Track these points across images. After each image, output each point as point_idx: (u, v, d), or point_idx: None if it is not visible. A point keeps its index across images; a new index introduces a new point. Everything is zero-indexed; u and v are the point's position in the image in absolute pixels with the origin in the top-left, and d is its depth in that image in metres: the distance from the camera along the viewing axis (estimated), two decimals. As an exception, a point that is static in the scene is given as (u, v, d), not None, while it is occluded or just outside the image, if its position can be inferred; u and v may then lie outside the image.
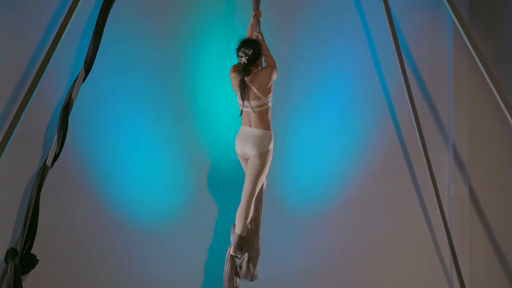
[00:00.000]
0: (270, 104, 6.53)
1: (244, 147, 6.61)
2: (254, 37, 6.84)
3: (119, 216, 7.61)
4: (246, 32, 7.20)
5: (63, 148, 6.94)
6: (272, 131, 6.61)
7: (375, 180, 8.16)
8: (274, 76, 6.56)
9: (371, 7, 8.18)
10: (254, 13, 6.88)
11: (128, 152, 7.69)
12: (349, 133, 8.10)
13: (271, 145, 6.57)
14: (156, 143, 7.73)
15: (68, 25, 7.05)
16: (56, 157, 6.91)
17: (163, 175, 7.74)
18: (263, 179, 6.68)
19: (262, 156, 6.51)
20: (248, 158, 6.64)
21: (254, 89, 6.50)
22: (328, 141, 8.02)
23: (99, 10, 6.90)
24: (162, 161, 7.74)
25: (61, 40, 7.07)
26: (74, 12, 6.85)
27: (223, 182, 7.75)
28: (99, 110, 7.65)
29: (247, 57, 6.59)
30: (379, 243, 8.13)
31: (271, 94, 6.54)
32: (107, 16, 6.88)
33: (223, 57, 7.62)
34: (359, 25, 8.19)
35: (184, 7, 7.81)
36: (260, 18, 6.83)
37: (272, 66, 6.54)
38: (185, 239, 7.70)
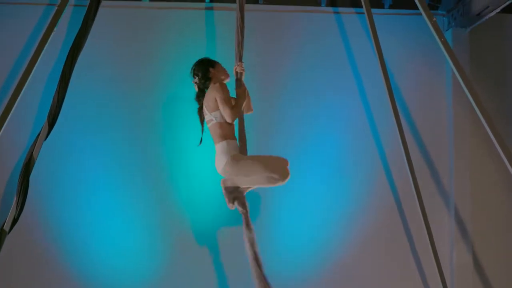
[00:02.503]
0: (219, 119, 6.49)
1: None
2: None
3: (86, 286, 7.59)
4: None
5: (23, 211, 6.81)
6: (229, 140, 6.49)
7: (370, 246, 8.14)
8: (218, 96, 6.50)
9: (365, 59, 8.31)
10: (236, 67, 6.79)
11: (98, 215, 7.70)
12: (340, 196, 8.13)
13: (228, 160, 6.43)
14: (128, 205, 7.77)
15: (31, 74, 7.01)
16: (15, 221, 6.76)
17: (135, 238, 7.78)
18: (271, 165, 6.45)
19: (227, 168, 6.46)
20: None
21: (204, 107, 6.55)
22: (317, 205, 8.05)
23: (65, 58, 6.85)
24: (135, 223, 7.79)
25: (23, 90, 7.03)
26: (38, 60, 6.80)
27: (200, 242, 7.83)
28: (64, 168, 7.68)
29: (196, 78, 6.66)
30: (374, 317, 8.07)
31: (218, 111, 6.50)
32: (73, 65, 6.82)
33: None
34: (351, 78, 8.31)
35: (158, 58, 8.02)
36: (243, 74, 6.73)
37: (218, 85, 6.51)
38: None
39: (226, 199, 6.47)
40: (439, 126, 8.44)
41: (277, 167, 6.35)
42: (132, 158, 7.86)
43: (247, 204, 6.42)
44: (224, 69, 6.64)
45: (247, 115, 6.66)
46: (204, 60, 6.71)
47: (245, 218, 6.41)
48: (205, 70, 6.61)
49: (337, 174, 8.18)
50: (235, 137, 6.50)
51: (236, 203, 6.42)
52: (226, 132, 6.45)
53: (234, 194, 6.45)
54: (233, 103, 6.47)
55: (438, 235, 8.15)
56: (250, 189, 6.55)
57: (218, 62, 6.67)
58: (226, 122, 6.44)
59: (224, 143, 6.41)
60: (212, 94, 6.45)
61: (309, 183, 8.06)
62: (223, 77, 6.59)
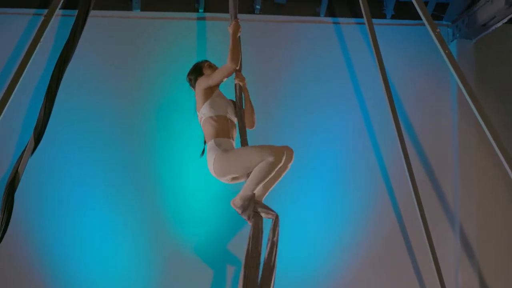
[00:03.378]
0: (206, 115, 6.43)
1: None
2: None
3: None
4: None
5: (7, 231, 6.76)
6: (220, 138, 6.32)
7: (372, 267, 8.14)
8: (200, 85, 6.42)
9: (366, 71, 8.35)
10: (237, 79, 6.72)
11: (86, 232, 7.71)
12: (340, 214, 8.12)
13: (216, 153, 6.25)
14: (118, 221, 7.79)
15: (16, 87, 6.98)
16: (-1, 240, 6.73)
17: (125, 254, 7.78)
18: (253, 156, 6.15)
19: (216, 163, 6.24)
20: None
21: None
22: (316, 224, 8.04)
23: (52, 70, 6.81)
24: (125, 239, 7.80)
25: (8, 103, 7.00)
26: (23, 72, 6.76)
27: (194, 258, 7.86)
28: (51, 185, 7.69)
29: (191, 83, 6.64)
30: None
31: (203, 106, 6.44)
32: (61, 77, 6.77)
33: (189, 124, 7.70)
34: (352, 91, 8.35)
35: (150, 69, 8.07)
36: (237, 33, 6.63)
37: (204, 76, 6.49)
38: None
39: (246, 218, 6.32)
40: (444, 140, 8.45)
41: (267, 148, 6.11)
42: (122, 172, 7.88)
43: (269, 208, 6.26)
44: (215, 68, 6.54)
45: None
46: (192, 68, 6.67)
47: (274, 222, 6.27)
48: (195, 78, 6.57)
49: (337, 191, 8.17)
50: (231, 137, 6.35)
51: (261, 214, 6.27)
52: (216, 130, 6.30)
53: (250, 209, 6.30)
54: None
55: (442, 255, 8.09)
56: (264, 195, 6.41)
57: (206, 64, 6.60)
58: (215, 119, 6.30)
59: (212, 141, 6.28)
60: (196, 91, 6.41)
61: (308, 200, 8.07)
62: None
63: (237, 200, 6.20)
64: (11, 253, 7.49)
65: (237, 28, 6.40)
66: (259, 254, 6.15)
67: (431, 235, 7.85)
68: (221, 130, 6.32)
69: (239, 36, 6.32)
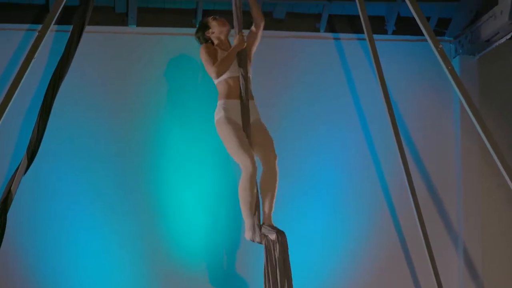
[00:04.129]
0: (216, 79, 6.59)
1: None
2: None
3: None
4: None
5: (0, 250, 6.76)
6: (225, 99, 6.58)
7: (374, 287, 8.15)
8: (201, 58, 6.66)
9: (366, 88, 8.36)
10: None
11: (81, 253, 7.71)
12: (341, 236, 8.12)
13: (218, 116, 6.57)
14: (112, 242, 7.79)
15: (10, 104, 6.99)
16: (-8, 261, 6.75)
17: (119, 275, 7.78)
18: (234, 154, 6.50)
19: (217, 127, 6.59)
20: None
21: None
22: (317, 247, 8.05)
23: (46, 87, 6.83)
24: (119, 261, 7.79)
25: (0, 121, 7.01)
26: (17, 89, 6.77)
27: (190, 278, 7.85)
28: (44, 204, 7.70)
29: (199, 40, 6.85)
30: None
31: (210, 70, 6.58)
32: (55, 94, 6.79)
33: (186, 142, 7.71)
34: (352, 108, 8.36)
35: (146, 86, 8.09)
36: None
37: (200, 48, 6.69)
38: None
39: (261, 243, 6.41)
40: (446, 158, 8.45)
41: (240, 158, 6.40)
42: (118, 193, 7.88)
43: (273, 227, 6.36)
44: (220, 21, 6.76)
45: None
46: (199, 25, 6.91)
47: (275, 239, 6.34)
48: (202, 34, 6.78)
49: (337, 209, 8.17)
50: (240, 96, 6.56)
51: (267, 235, 6.35)
52: (223, 92, 6.58)
53: (257, 235, 6.40)
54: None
55: (445, 275, 8.02)
56: (269, 216, 6.53)
57: (212, 19, 6.79)
58: (222, 83, 6.57)
59: (219, 102, 6.58)
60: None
61: (308, 223, 8.07)
62: (220, 30, 6.73)
63: (246, 233, 6.43)
64: (4, 273, 7.51)
65: (241, 43, 6.51)
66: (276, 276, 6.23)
67: (433, 255, 7.83)
68: (228, 92, 6.58)
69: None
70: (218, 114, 6.56)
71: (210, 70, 6.51)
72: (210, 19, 6.82)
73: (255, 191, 6.40)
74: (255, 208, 6.39)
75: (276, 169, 6.63)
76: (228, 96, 6.57)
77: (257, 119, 6.69)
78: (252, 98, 6.66)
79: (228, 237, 7.97)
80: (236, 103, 6.57)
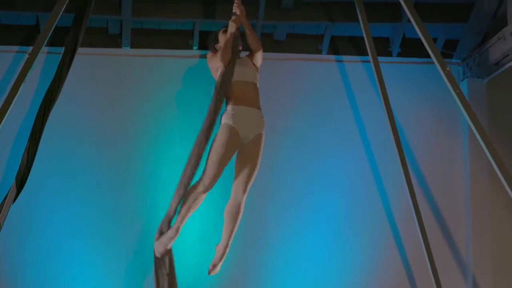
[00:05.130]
0: (223, 65, 6.87)
1: None
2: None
3: None
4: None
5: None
6: (230, 105, 6.84)
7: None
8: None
9: (371, 112, 8.36)
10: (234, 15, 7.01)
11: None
12: (347, 267, 8.09)
13: (224, 121, 6.79)
14: (106, 277, 7.76)
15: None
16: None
17: None
18: (209, 163, 6.72)
19: (219, 128, 6.84)
20: None
21: None
22: (320, 278, 8.01)
23: (36, 112, 6.82)
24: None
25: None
26: (6, 114, 6.78)
27: None
28: (34, 234, 7.67)
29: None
30: None
31: (216, 60, 6.92)
32: (46, 119, 6.80)
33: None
34: (356, 133, 8.36)
35: (141, 110, 8.10)
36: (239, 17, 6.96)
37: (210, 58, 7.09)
38: None
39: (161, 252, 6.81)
40: (454, 185, 8.43)
41: (209, 171, 6.65)
42: (110, 222, 7.85)
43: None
44: (224, 35, 7.00)
45: None
46: (210, 37, 7.24)
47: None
48: (212, 47, 7.15)
49: (341, 241, 8.14)
50: (241, 99, 6.78)
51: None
52: (229, 96, 6.82)
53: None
54: None
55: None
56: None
57: (222, 31, 7.09)
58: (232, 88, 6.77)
59: (227, 108, 6.82)
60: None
61: (310, 253, 8.05)
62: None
63: (162, 238, 6.76)
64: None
65: (235, 22, 6.87)
66: None
67: (441, 286, 7.83)
68: (233, 96, 6.81)
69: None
70: (225, 119, 6.74)
71: (216, 60, 6.82)
72: (220, 32, 7.05)
73: (194, 206, 6.73)
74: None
75: (240, 205, 6.86)
76: (237, 101, 6.66)
77: (259, 134, 6.74)
78: (259, 108, 6.73)
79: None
80: (244, 110, 6.63)
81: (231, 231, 6.85)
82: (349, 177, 8.24)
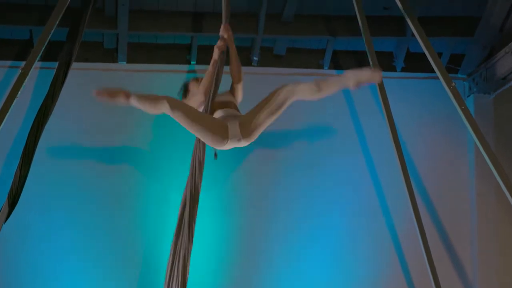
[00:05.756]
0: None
1: None
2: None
3: None
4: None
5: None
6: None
7: None
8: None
9: (374, 129, 8.37)
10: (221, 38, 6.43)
11: None
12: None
13: None
14: None
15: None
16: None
17: None
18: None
19: None
20: None
21: None
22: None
23: (29, 129, 6.82)
24: None
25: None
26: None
27: None
28: (25, 253, 7.65)
29: None
30: None
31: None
32: (39, 137, 6.79)
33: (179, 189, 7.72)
34: (359, 151, 8.36)
35: (137, 128, 8.09)
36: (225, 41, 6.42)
37: None
38: None
39: None
40: (460, 205, 8.41)
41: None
42: (106, 240, 7.86)
43: None
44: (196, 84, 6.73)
45: None
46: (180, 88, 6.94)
47: None
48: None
49: (346, 263, 8.14)
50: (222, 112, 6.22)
51: None
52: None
53: None
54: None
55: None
56: None
57: (192, 81, 6.88)
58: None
59: None
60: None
61: (313, 275, 8.04)
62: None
63: None
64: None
65: (224, 45, 6.34)
66: None
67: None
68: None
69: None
70: None
71: (195, 95, 6.50)
72: (191, 81, 6.90)
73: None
74: None
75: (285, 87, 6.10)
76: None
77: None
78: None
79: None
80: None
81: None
82: (351, 195, 8.23)
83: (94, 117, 7.99)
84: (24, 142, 6.77)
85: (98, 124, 8.00)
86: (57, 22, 6.81)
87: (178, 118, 5.92)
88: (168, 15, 8.04)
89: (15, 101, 6.60)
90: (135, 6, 7.88)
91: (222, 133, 5.95)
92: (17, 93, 6.60)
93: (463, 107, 7.03)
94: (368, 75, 5.81)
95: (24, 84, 6.62)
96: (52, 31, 6.79)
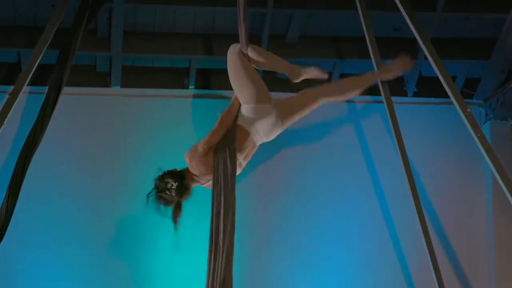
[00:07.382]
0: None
1: None
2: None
3: None
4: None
5: None
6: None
7: None
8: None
9: (384, 156, 8.42)
10: None
11: None
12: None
13: None
14: None
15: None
16: None
17: None
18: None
19: None
20: None
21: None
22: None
23: (16, 158, 6.83)
24: None
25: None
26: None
27: None
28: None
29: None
30: None
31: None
32: (27, 166, 6.79)
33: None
34: (368, 180, 8.41)
35: (131, 155, 8.17)
36: None
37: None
38: None
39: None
40: (477, 239, 8.45)
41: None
42: (99, 268, 7.94)
43: None
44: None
45: None
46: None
47: None
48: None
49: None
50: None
51: None
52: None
53: None
54: None
55: None
56: None
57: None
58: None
59: None
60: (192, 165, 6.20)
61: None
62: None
63: None
64: None
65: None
66: None
67: None
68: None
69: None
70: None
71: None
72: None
73: None
74: None
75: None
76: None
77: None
78: None
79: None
80: None
81: None
82: (361, 227, 8.27)
83: (86, 145, 8.01)
84: (11, 173, 6.78)
85: (90, 152, 8.03)
86: (47, 44, 6.83)
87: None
88: (165, 37, 8.09)
89: (1, 128, 6.60)
90: (129, 27, 7.91)
91: (269, 99, 6.05)
92: (4, 120, 6.60)
93: (479, 135, 7.01)
94: (397, 65, 5.91)
95: (11, 110, 6.63)
96: (42, 53, 6.80)
